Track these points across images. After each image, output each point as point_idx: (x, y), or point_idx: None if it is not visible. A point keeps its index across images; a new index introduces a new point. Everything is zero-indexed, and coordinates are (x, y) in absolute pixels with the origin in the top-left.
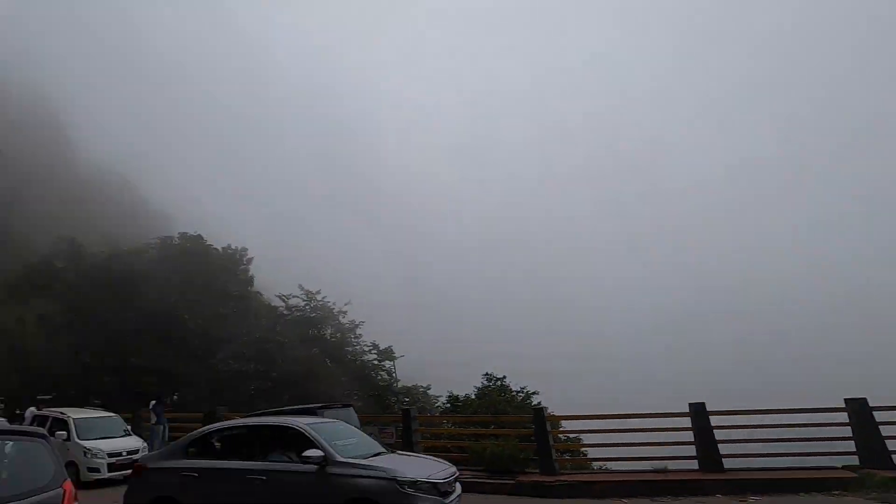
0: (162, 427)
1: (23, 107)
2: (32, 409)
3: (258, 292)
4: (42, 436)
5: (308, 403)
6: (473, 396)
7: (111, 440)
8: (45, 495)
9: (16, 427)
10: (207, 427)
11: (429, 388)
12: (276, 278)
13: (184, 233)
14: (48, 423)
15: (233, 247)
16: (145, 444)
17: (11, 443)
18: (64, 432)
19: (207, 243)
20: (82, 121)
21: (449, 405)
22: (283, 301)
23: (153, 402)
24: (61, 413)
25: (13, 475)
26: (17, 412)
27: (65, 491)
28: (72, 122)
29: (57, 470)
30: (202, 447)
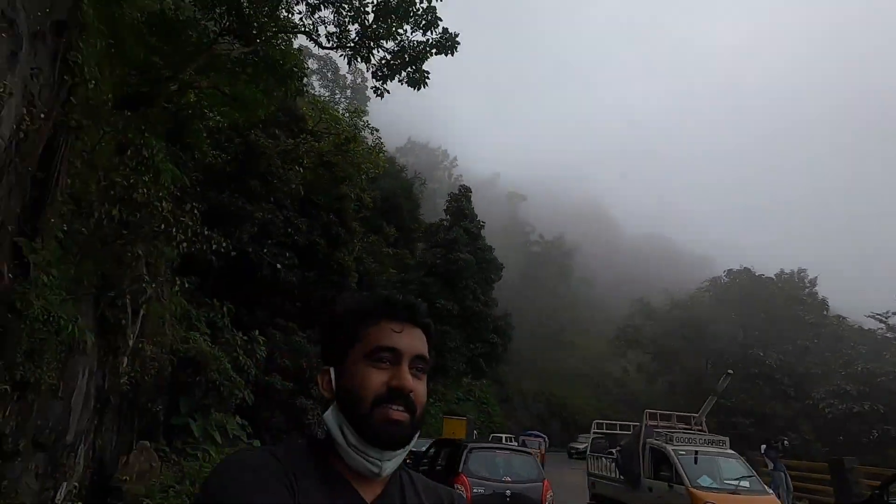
0: (782, 474)
1: (584, 209)
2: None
3: (839, 316)
4: (529, 453)
5: None
6: None
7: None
8: (535, 484)
9: (521, 448)
10: None
11: None
12: (850, 297)
13: (729, 269)
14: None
15: (787, 271)
16: (769, 491)
17: (523, 456)
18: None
19: (757, 274)
20: (619, 202)
21: None
22: (881, 321)
23: (763, 446)
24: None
25: (523, 471)
26: None
27: (544, 484)
28: (611, 204)
29: (540, 471)
30: None
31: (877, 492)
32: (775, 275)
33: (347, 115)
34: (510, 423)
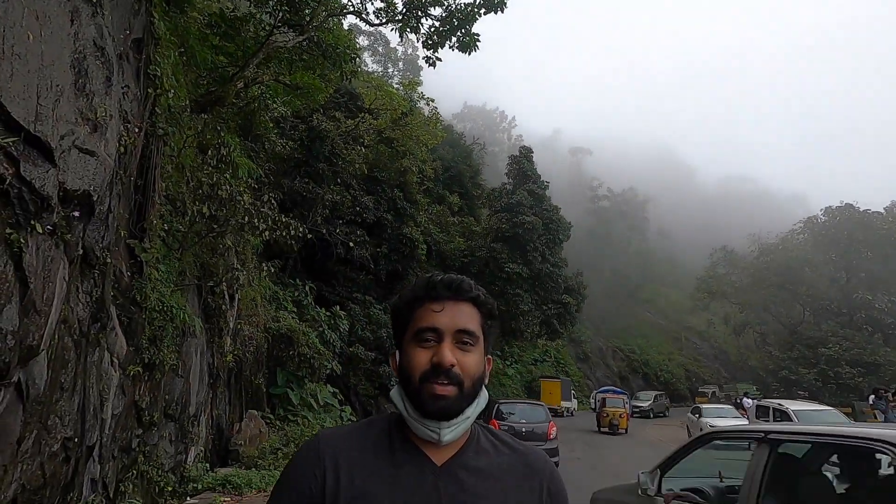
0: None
1: (655, 157)
2: (748, 400)
3: None
4: (541, 405)
5: None
6: None
7: None
8: (542, 424)
9: (524, 401)
10: None
11: None
12: None
13: (828, 207)
14: (769, 413)
15: None
16: None
17: (536, 407)
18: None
19: (862, 209)
20: (691, 146)
21: None
22: None
23: (872, 396)
24: (780, 404)
25: (535, 416)
26: (737, 401)
27: (550, 424)
28: (683, 149)
29: (547, 416)
30: None
31: None
32: (885, 208)
33: (402, 88)
34: (589, 381)
